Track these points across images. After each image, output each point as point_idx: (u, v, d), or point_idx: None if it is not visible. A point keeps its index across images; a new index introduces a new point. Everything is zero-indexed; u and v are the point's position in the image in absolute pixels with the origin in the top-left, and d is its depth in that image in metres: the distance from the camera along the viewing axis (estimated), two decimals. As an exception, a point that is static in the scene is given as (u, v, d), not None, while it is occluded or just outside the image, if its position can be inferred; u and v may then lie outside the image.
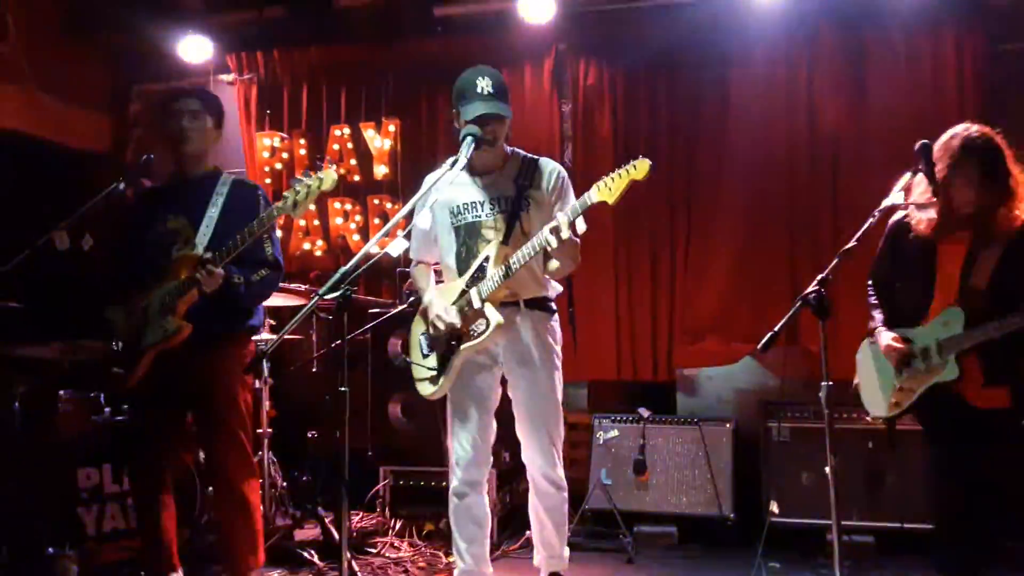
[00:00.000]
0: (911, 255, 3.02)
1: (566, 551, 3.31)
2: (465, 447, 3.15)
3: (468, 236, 3.15)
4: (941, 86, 4.72)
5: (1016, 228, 2.87)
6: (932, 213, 2.94)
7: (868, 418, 3.26)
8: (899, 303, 3.11)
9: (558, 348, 3.23)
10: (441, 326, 3.09)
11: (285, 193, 3.09)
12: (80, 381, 4.13)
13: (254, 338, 3.77)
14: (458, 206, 3.18)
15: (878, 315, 3.16)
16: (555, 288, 3.26)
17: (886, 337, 3.05)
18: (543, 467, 3.17)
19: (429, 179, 3.06)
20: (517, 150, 3.26)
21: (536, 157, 3.23)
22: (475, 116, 3.04)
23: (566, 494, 3.26)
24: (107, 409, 4.10)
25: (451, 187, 3.11)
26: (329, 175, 3.07)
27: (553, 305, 3.25)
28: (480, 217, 3.14)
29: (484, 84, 3.07)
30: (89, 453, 3.85)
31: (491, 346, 3.12)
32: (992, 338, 2.78)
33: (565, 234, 2.87)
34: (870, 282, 3.24)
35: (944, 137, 2.96)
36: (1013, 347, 2.79)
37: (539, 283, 3.17)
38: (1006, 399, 2.85)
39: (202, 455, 3.88)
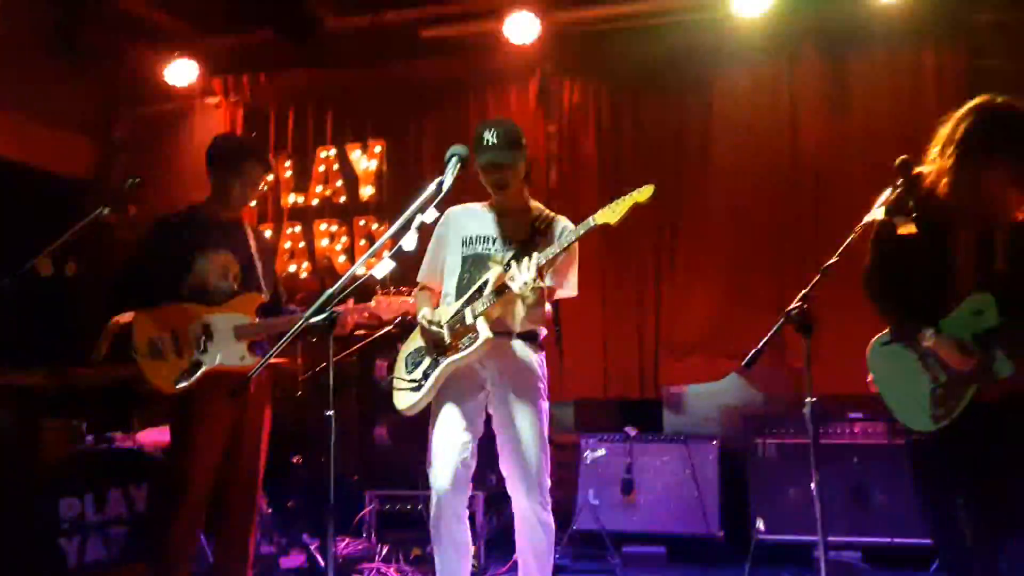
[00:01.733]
0: (903, 247, 2.71)
1: None
2: (445, 474, 3.13)
3: (473, 266, 3.20)
4: (922, 103, 4.75)
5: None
6: (912, 227, 2.84)
7: (913, 435, 2.75)
8: (911, 298, 2.77)
9: (545, 382, 3.22)
10: (429, 327, 3.13)
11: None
12: (64, 408, 4.09)
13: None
14: (471, 236, 3.25)
15: (915, 321, 2.73)
16: (543, 329, 3.28)
17: (945, 342, 2.64)
18: (531, 506, 3.11)
19: (453, 213, 3.22)
20: (540, 205, 3.34)
21: (555, 215, 3.30)
22: (480, 164, 3.16)
23: (552, 534, 3.20)
24: (89, 437, 4.06)
25: (471, 218, 3.28)
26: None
27: (542, 341, 3.27)
28: (490, 251, 3.21)
29: (489, 136, 3.16)
30: (72, 482, 3.81)
31: (479, 368, 3.13)
32: None
33: (516, 287, 2.90)
34: (872, 286, 2.87)
35: (964, 111, 2.68)
36: None
37: (531, 320, 3.19)
38: None
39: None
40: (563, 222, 3.26)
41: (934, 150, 2.76)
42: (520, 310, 3.10)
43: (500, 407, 3.15)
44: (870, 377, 2.89)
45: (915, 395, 2.74)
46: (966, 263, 2.73)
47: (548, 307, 3.20)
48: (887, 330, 2.84)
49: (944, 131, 2.74)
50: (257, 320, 3.45)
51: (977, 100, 2.71)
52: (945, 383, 2.70)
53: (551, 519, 3.18)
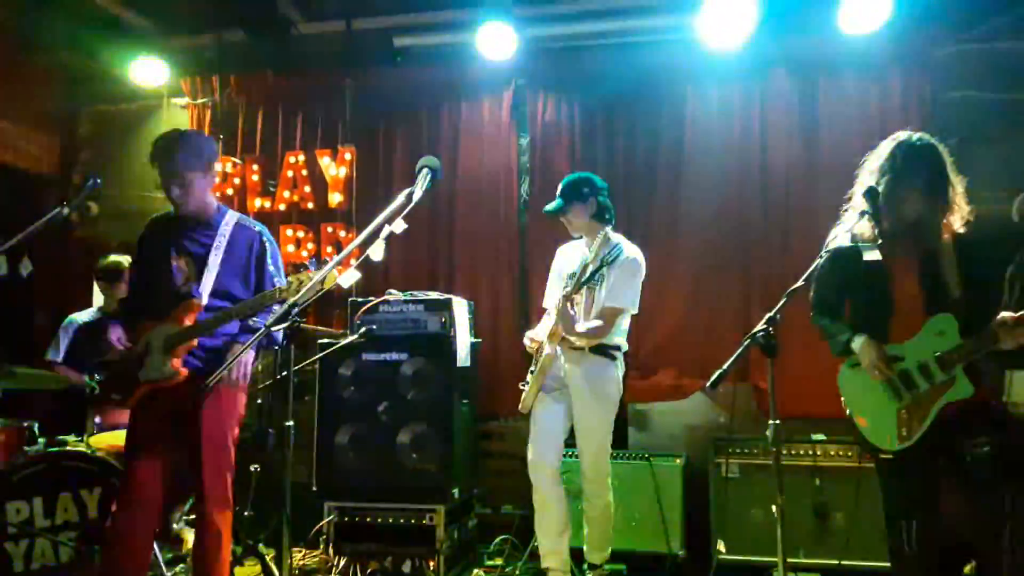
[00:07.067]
0: (861, 272, 2.91)
1: None
2: None
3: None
4: (889, 131, 4.79)
5: (950, 240, 2.85)
6: (877, 254, 2.93)
7: (882, 455, 2.87)
8: (853, 322, 3.00)
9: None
10: None
11: (290, 279, 3.06)
12: (13, 409, 3.98)
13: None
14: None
15: (846, 331, 2.95)
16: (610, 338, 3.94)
17: (872, 352, 2.84)
18: None
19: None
20: (609, 234, 3.97)
21: (616, 243, 3.95)
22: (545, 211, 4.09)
23: None
24: (41, 440, 3.95)
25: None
26: (332, 275, 3.10)
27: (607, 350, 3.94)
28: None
29: (561, 185, 4.06)
30: (20, 486, 3.70)
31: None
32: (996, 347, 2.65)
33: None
34: (815, 309, 3.10)
35: (886, 146, 2.94)
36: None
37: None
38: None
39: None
40: (622, 254, 3.91)
41: (862, 180, 2.96)
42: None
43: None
44: (843, 399, 3.00)
45: (883, 415, 2.85)
46: (909, 286, 2.88)
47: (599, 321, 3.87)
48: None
49: (871, 163, 2.96)
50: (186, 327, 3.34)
51: (898, 135, 2.95)
52: (909, 404, 2.81)
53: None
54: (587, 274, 3.84)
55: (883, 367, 2.83)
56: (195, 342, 3.31)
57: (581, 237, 4.09)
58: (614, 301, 3.88)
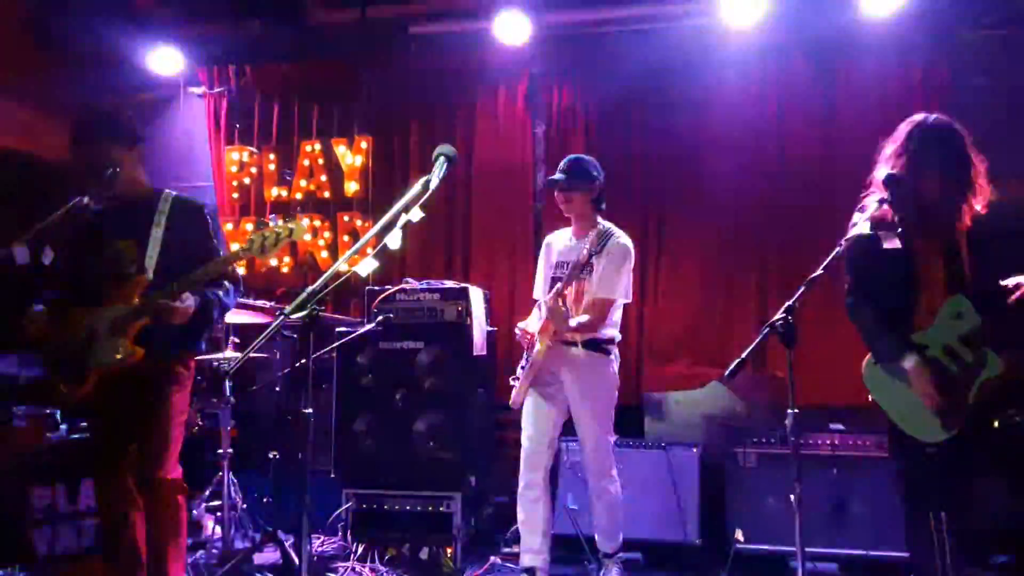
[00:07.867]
0: (883, 259, 2.87)
1: None
2: None
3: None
4: (908, 116, 4.78)
5: (968, 223, 2.81)
6: (897, 242, 2.90)
7: (927, 448, 2.79)
8: (886, 310, 2.91)
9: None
10: None
11: (252, 236, 3.07)
12: (36, 397, 4.02)
13: (215, 356, 3.74)
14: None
15: (897, 343, 2.84)
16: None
17: (927, 384, 2.76)
18: None
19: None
20: (601, 223, 3.86)
21: (606, 230, 3.84)
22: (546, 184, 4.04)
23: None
24: (63, 426, 4.00)
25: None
26: (300, 227, 3.11)
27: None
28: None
29: (562, 163, 3.93)
30: (43, 471, 3.75)
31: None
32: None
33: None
34: (855, 297, 2.98)
35: (903, 129, 2.90)
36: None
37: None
38: None
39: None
40: (612, 239, 3.82)
41: (880, 165, 2.92)
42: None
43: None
44: (872, 397, 2.94)
45: (921, 408, 2.79)
46: (934, 271, 2.83)
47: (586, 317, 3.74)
48: None
49: (888, 148, 2.91)
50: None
51: (914, 117, 2.90)
52: (944, 391, 2.75)
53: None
54: (579, 267, 3.75)
55: (937, 398, 2.76)
56: (148, 320, 3.14)
57: (570, 226, 3.98)
58: (606, 292, 3.77)
